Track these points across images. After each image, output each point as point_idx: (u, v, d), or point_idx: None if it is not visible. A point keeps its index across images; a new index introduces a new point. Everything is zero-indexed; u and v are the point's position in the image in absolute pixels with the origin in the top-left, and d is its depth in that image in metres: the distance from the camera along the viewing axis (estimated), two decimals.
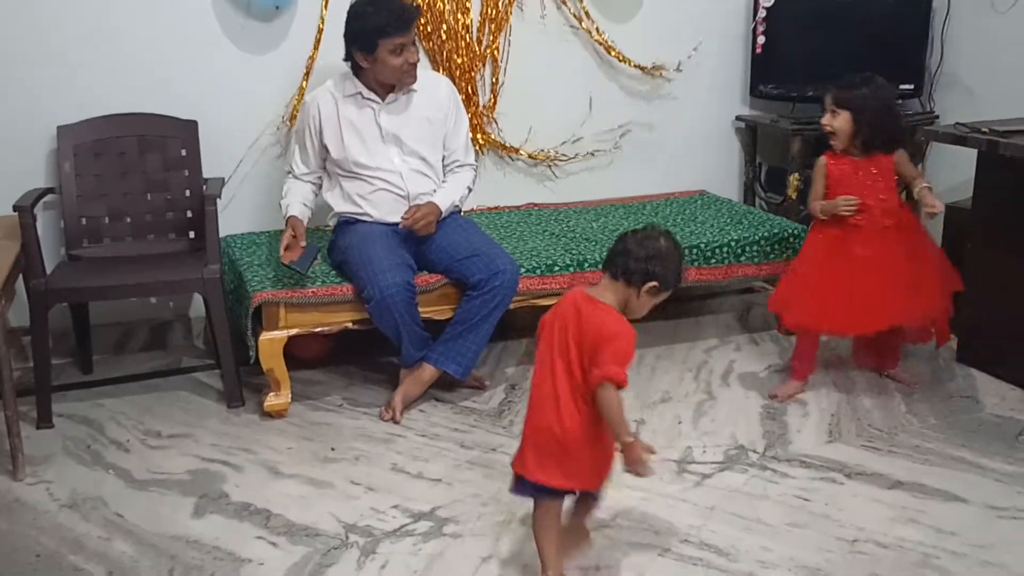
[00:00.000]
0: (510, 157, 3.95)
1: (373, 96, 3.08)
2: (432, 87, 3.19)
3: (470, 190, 3.27)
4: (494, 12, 3.75)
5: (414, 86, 3.11)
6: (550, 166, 4.01)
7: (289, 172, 3.21)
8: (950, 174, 4.00)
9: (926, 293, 2.96)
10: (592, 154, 4.04)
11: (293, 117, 3.55)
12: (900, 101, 2.90)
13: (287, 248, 2.94)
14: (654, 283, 2.03)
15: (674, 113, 4.14)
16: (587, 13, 3.89)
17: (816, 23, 4.05)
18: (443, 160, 3.24)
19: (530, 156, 3.93)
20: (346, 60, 3.07)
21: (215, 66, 3.49)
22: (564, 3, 3.87)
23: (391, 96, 3.10)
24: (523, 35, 3.83)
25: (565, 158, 4.01)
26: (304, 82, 3.58)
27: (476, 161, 3.35)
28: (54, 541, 2.36)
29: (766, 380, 3.25)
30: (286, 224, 3.05)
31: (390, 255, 2.94)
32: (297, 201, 3.13)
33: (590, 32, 3.91)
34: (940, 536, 2.32)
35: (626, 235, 2.08)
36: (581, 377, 1.97)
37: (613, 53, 3.94)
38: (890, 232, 2.95)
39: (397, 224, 3.09)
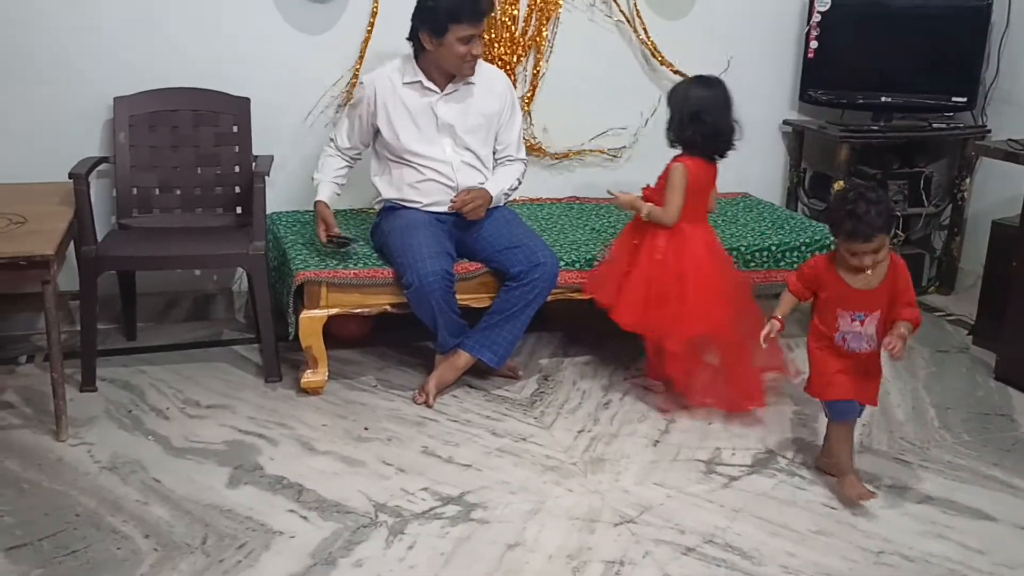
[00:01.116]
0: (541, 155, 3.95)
1: (432, 86, 3.09)
2: (489, 80, 3.19)
3: (520, 183, 3.30)
4: (542, 3, 3.75)
5: (472, 78, 3.12)
6: (583, 159, 4.00)
7: (331, 142, 3.24)
8: (999, 189, 3.96)
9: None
10: (621, 150, 4.03)
11: (347, 100, 3.59)
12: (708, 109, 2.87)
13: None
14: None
15: None
16: (638, 11, 3.89)
17: (870, 30, 4.02)
18: (494, 153, 3.26)
19: (553, 156, 3.95)
20: (409, 40, 3.06)
21: (270, 44, 3.53)
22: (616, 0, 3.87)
23: (450, 87, 3.11)
24: (570, 27, 3.83)
25: (604, 153, 4.01)
26: (358, 64, 3.62)
27: (527, 156, 3.37)
28: (93, 501, 2.42)
29: (799, 386, 3.23)
30: (315, 206, 3.13)
31: (431, 243, 2.97)
32: (328, 180, 3.18)
33: (636, 31, 3.89)
34: (967, 553, 2.32)
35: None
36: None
37: (657, 57, 3.93)
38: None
39: (443, 213, 3.12)
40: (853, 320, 2.46)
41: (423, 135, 3.11)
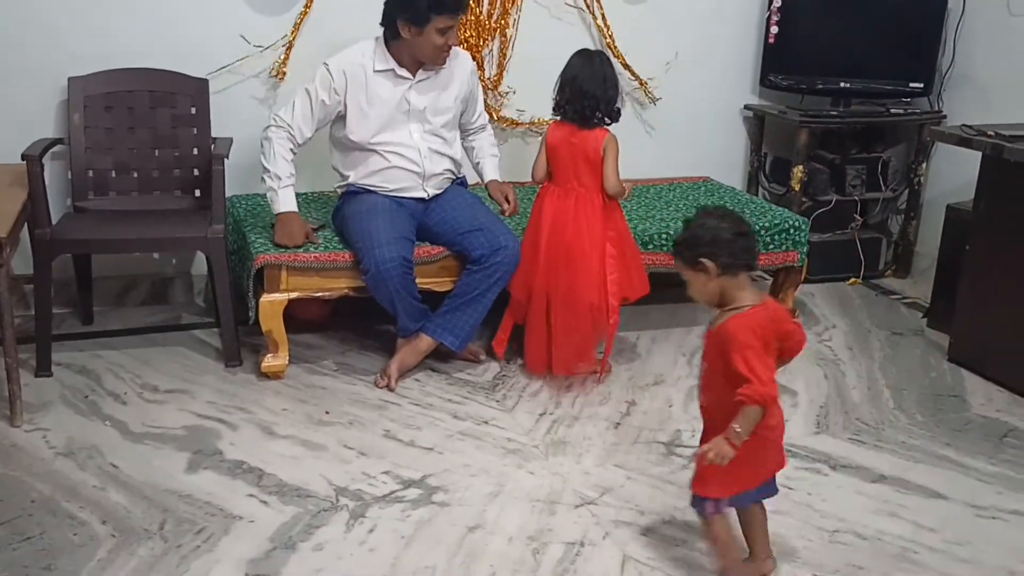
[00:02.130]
0: (509, 131, 3.94)
1: (405, 73, 3.05)
2: (458, 64, 3.16)
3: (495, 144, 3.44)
4: None
5: (433, 70, 3.10)
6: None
7: (281, 125, 3.03)
8: (954, 175, 4.02)
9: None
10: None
11: (281, 73, 3.55)
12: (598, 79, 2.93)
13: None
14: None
15: (682, 99, 4.14)
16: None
17: (830, 16, 4.05)
18: (462, 127, 3.29)
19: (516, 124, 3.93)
20: (383, 25, 3.02)
21: (229, 25, 3.48)
22: None
23: (421, 73, 3.07)
24: (532, 12, 3.82)
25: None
26: (292, 36, 3.55)
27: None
28: (49, 487, 2.40)
29: None
30: (285, 219, 3.00)
31: (390, 228, 2.96)
32: (287, 184, 3.02)
33: (594, 17, 3.88)
34: (919, 531, 2.37)
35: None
36: None
37: (611, 47, 3.92)
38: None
39: (405, 198, 3.12)
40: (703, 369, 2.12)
41: (392, 123, 3.08)
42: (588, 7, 3.89)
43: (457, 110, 3.19)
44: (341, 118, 3.08)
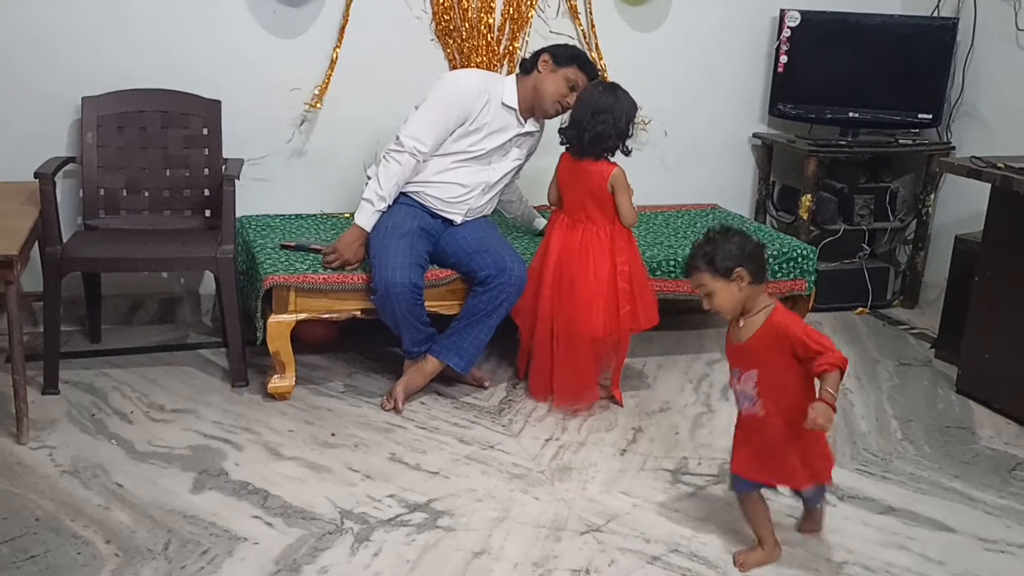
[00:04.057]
0: None
1: (520, 116, 3.17)
2: (539, 132, 3.30)
3: None
4: (516, 13, 3.77)
5: (537, 127, 3.23)
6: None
7: (411, 153, 3.05)
8: (962, 205, 4.02)
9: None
10: None
11: (315, 105, 3.59)
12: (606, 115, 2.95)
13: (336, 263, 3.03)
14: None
15: (691, 127, 4.16)
16: (593, 25, 3.90)
17: (840, 46, 4.07)
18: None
19: None
20: (524, 60, 3.24)
21: (242, 48, 3.51)
22: (576, 15, 3.88)
23: (528, 124, 3.19)
24: (541, 40, 3.85)
25: None
26: (330, 71, 3.61)
27: None
28: (53, 505, 2.39)
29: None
30: (361, 233, 3.04)
31: (406, 252, 2.97)
32: (390, 200, 3.08)
33: (589, 47, 3.89)
34: (927, 564, 2.35)
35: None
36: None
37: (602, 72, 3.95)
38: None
39: (437, 215, 3.16)
40: (733, 376, 2.29)
41: (484, 152, 3.15)
42: (584, 37, 3.91)
43: (520, 166, 3.33)
44: (458, 135, 3.14)
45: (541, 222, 3.49)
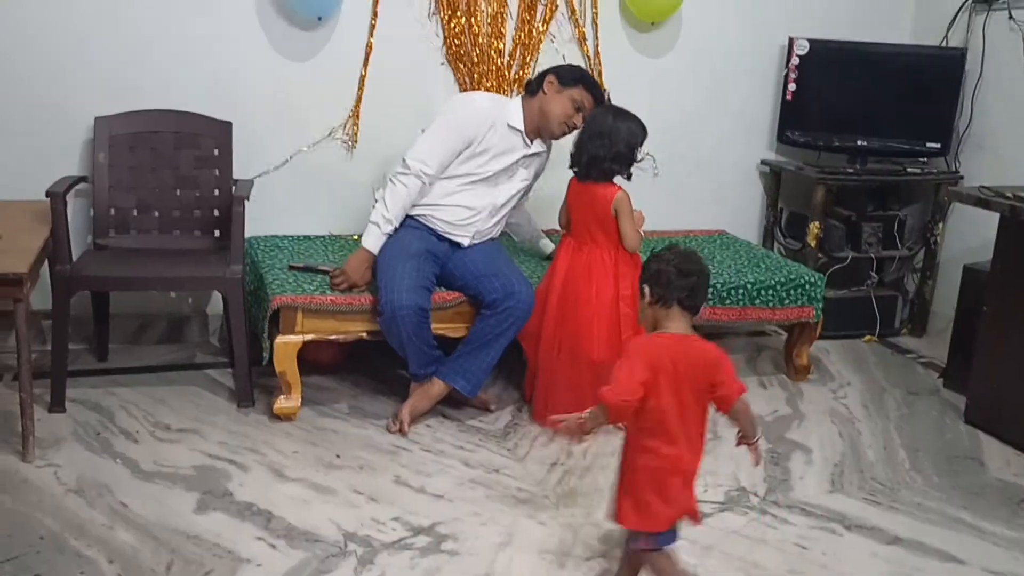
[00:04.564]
0: None
1: (527, 141, 3.18)
2: (545, 153, 3.31)
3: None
4: (526, 38, 3.79)
5: (543, 148, 3.24)
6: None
7: (417, 175, 3.06)
8: (971, 235, 4.02)
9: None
10: None
11: (353, 132, 3.65)
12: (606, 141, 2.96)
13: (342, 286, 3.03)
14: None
15: (699, 153, 4.18)
16: (599, 52, 3.92)
17: (848, 75, 4.09)
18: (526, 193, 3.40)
19: None
20: (530, 82, 3.23)
21: (255, 69, 3.54)
22: (583, 42, 3.91)
23: (535, 145, 3.20)
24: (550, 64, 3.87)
25: None
26: (359, 91, 3.65)
27: None
28: (58, 524, 2.39)
29: (772, 424, 3.26)
30: (367, 256, 3.04)
31: (413, 275, 2.97)
32: (397, 224, 3.09)
33: (592, 72, 3.89)
34: None
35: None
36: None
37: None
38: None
39: (444, 238, 3.16)
40: None
41: (492, 174, 3.16)
42: (589, 64, 3.93)
43: (528, 188, 3.34)
44: (464, 156, 3.15)
45: (548, 245, 3.50)
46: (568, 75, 3.16)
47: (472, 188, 3.16)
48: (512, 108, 3.18)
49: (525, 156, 3.21)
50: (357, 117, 3.68)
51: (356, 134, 3.69)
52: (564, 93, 3.12)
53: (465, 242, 3.20)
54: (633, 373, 1.95)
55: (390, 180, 3.11)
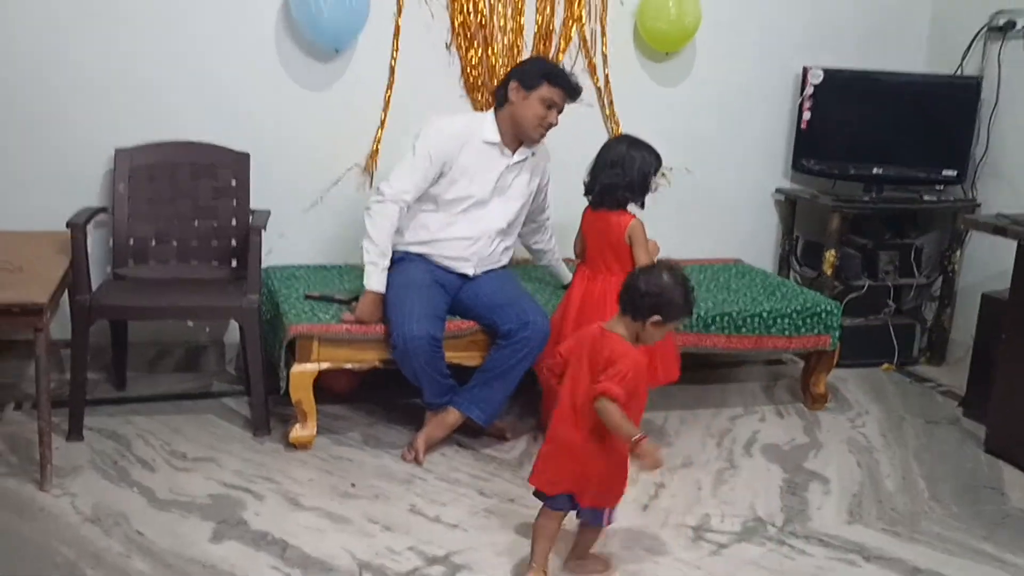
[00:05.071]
0: None
1: (507, 151, 3.15)
2: (542, 155, 3.29)
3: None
4: None
5: (527, 153, 3.20)
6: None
7: (393, 200, 3.04)
8: (989, 262, 4.00)
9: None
10: None
11: (373, 157, 3.70)
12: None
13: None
14: (657, 317, 2.24)
15: (714, 181, 4.18)
16: (608, 82, 3.95)
17: (863, 104, 4.09)
18: (531, 216, 3.37)
19: None
20: (496, 92, 3.17)
21: (273, 101, 3.59)
22: (594, 75, 3.94)
23: (518, 154, 3.17)
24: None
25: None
26: (383, 115, 3.70)
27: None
28: (74, 552, 2.39)
29: (790, 453, 3.23)
30: (373, 299, 3.00)
31: (423, 304, 2.98)
32: (390, 254, 3.06)
33: (603, 106, 3.95)
34: None
35: (634, 272, 2.34)
36: (584, 397, 2.23)
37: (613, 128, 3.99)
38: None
39: (450, 272, 3.16)
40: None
41: (481, 194, 3.15)
42: (600, 99, 3.96)
43: (530, 195, 3.28)
44: (441, 176, 3.13)
45: (568, 275, 3.48)
46: (530, 76, 3.08)
47: (465, 215, 3.15)
48: (487, 123, 3.15)
49: (510, 167, 3.17)
50: (377, 147, 3.71)
51: (375, 163, 3.72)
52: (531, 96, 3.06)
53: (470, 271, 3.19)
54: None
55: (367, 215, 3.07)
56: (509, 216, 3.22)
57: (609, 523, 2.35)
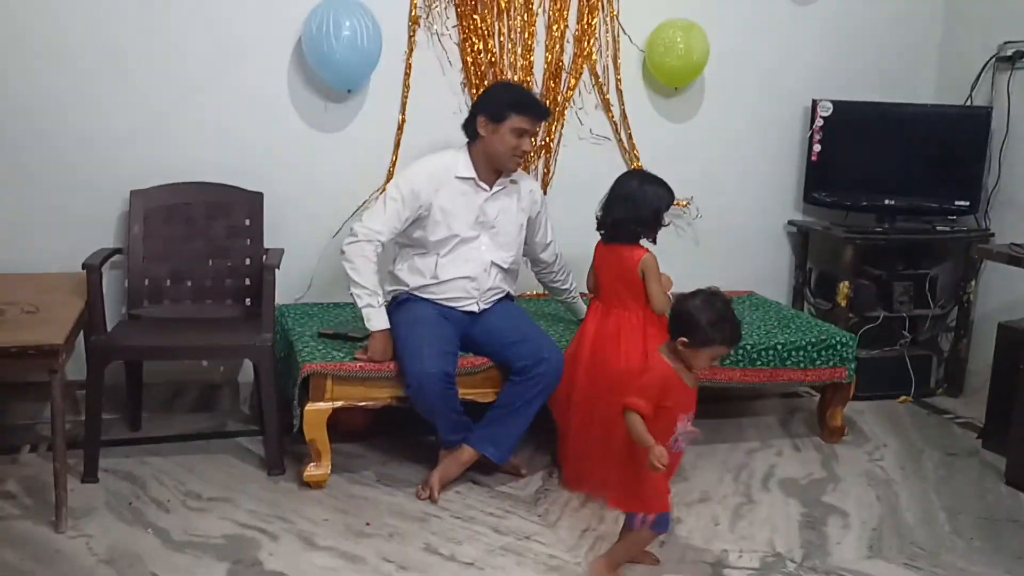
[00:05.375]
0: None
1: (483, 184, 3.14)
2: (525, 184, 3.28)
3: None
4: (552, 105, 3.83)
5: (515, 176, 3.20)
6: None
7: (367, 240, 3.04)
8: (1005, 292, 3.98)
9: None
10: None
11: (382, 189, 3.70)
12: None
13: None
14: (684, 339, 2.37)
15: (727, 214, 4.19)
16: (626, 117, 3.98)
17: (873, 135, 4.10)
18: (537, 246, 3.36)
19: None
20: (465, 127, 3.15)
21: (286, 141, 3.63)
22: (609, 110, 3.96)
23: (497, 184, 3.16)
24: (574, 133, 3.94)
25: None
26: (394, 155, 3.73)
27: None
28: None
29: (807, 487, 3.20)
30: (380, 338, 3.00)
31: (435, 341, 2.98)
32: (380, 291, 3.07)
33: (620, 140, 3.98)
34: None
35: (680, 294, 2.48)
36: None
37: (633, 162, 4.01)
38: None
39: (456, 310, 3.15)
40: (687, 420, 2.45)
41: (465, 231, 3.14)
42: (616, 132, 3.99)
43: (521, 225, 3.26)
44: (421, 219, 3.13)
45: (583, 310, 3.47)
46: (496, 107, 3.06)
47: (456, 254, 3.14)
48: (460, 160, 3.14)
49: (488, 200, 3.15)
50: (375, 184, 3.73)
51: None
52: (501, 128, 3.04)
53: (476, 308, 3.19)
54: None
55: (344, 257, 3.05)
56: (501, 249, 3.21)
57: (645, 528, 2.45)
